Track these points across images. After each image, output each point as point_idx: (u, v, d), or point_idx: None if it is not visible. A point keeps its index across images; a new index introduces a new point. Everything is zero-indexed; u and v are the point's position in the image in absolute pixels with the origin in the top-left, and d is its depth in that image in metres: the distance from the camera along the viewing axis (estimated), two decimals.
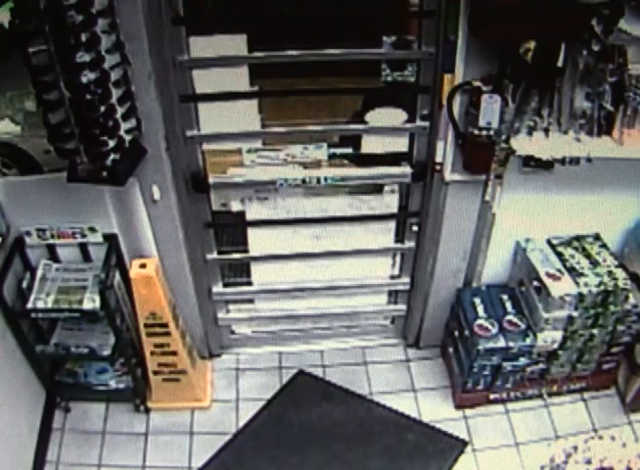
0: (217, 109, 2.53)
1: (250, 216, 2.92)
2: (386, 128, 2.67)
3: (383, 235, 3.06)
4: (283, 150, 2.70)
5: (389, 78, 2.51)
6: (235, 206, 2.88)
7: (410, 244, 3.08)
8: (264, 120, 2.62)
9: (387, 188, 2.90)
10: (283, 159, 2.72)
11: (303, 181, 2.73)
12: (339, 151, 2.73)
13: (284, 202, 2.89)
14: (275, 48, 2.40)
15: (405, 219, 3.00)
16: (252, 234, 3.00)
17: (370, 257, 3.15)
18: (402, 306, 3.39)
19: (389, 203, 2.94)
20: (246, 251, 3.06)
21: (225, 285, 3.23)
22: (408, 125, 2.66)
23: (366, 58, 2.48)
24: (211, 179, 2.71)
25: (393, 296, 3.38)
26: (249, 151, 2.68)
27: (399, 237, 3.08)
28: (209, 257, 3.03)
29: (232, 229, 3.12)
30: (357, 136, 2.70)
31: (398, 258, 3.21)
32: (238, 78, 2.46)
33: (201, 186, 2.72)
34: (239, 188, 2.80)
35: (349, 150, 2.74)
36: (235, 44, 2.36)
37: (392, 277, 3.27)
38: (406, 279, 3.24)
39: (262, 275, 3.19)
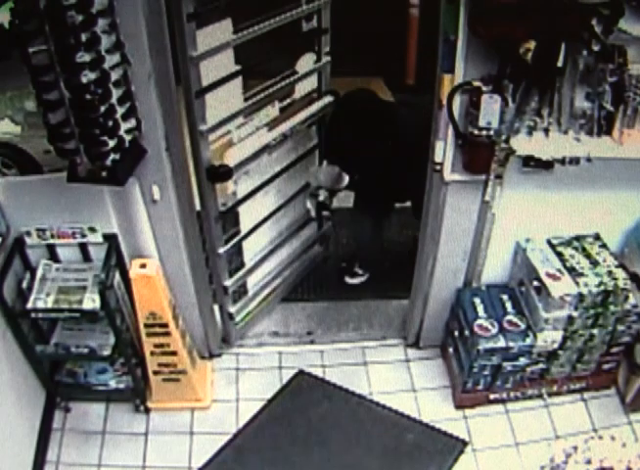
0: (215, 97, 2.63)
1: (240, 194, 3.04)
2: (308, 72, 3.15)
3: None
4: (254, 119, 2.96)
5: (305, 30, 3.00)
6: (230, 187, 2.97)
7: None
8: (245, 95, 2.85)
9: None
10: (255, 127, 2.98)
11: (284, 137, 3.07)
12: (283, 104, 3.14)
13: (258, 168, 3.08)
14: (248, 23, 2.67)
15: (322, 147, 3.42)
16: (243, 211, 3.12)
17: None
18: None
19: (312, 136, 3.43)
20: (238, 232, 3.19)
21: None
22: (321, 63, 3.17)
23: (290, 19, 2.84)
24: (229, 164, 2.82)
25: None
26: (237, 127, 2.87)
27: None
28: (221, 250, 3.07)
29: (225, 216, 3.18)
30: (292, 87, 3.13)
31: None
32: (227, 61, 2.67)
33: (220, 175, 2.78)
34: (241, 167, 2.91)
35: (289, 100, 3.16)
36: (224, 29, 2.57)
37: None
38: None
39: (252, 247, 3.33)
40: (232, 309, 3.33)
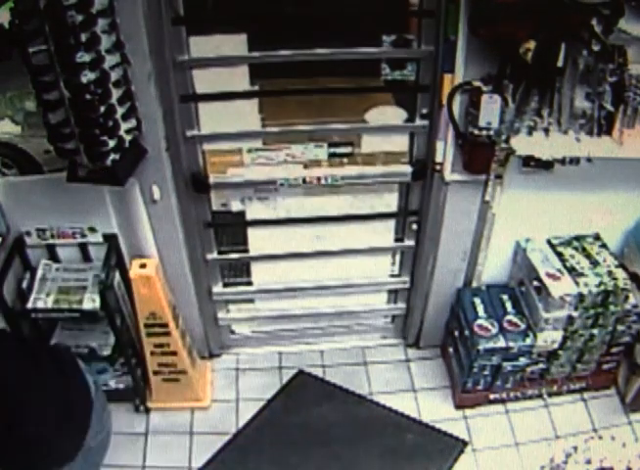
0: (218, 109, 2.53)
1: (250, 216, 2.92)
2: (386, 127, 2.67)
3: (382, 234, 3.07)
4: (283, 150, 2.70)
5: (389, 77, 2.51)
6: (235, 205, 2.88)
7: (410, 242, 3.09)
8: (265, 120, 2.62)
9: (386, 187, 2.91)
10: (283, 159, 2.72)
11: (304, 181, 2.73)
12: (338, 150, 2.73)
13: (284, 201, 2.89)
14: (275, 48, 2.40)
15: (405, 218, 3.01)
16: (253, 234, 3.00)
17: (370, 255, 3.16)
18: (402, 305, 3.40)
19: (389, 201, 2.95)
20: (246, 250, 3.06)
21: (225, 285, 3.22)
22: (408, 124, 2.66)
23: (366, 57, 2.48)
24: (212, 179, 2.71)
25: (393, 295, 3.39)
26: (249, 150, 2.68)
27: (399, 236, 3.09)
28: (210, 256, 3.03)
29: (232, 229, 3.12)
30: (357, 135, 2.70)
31: (398, 257, 3.22)
32: (238, 78, 2.47)
33: (201, 186, 2.72)
34: (239, 188, 2.80)
35: (349, 149, 2.73)
36: (235, 44, 2.37)
37: (392, 276, 3.28)
38: (406, 278, 3.25)
39: (263, 275, 3.19)
40: (220, 315, 3.32)
